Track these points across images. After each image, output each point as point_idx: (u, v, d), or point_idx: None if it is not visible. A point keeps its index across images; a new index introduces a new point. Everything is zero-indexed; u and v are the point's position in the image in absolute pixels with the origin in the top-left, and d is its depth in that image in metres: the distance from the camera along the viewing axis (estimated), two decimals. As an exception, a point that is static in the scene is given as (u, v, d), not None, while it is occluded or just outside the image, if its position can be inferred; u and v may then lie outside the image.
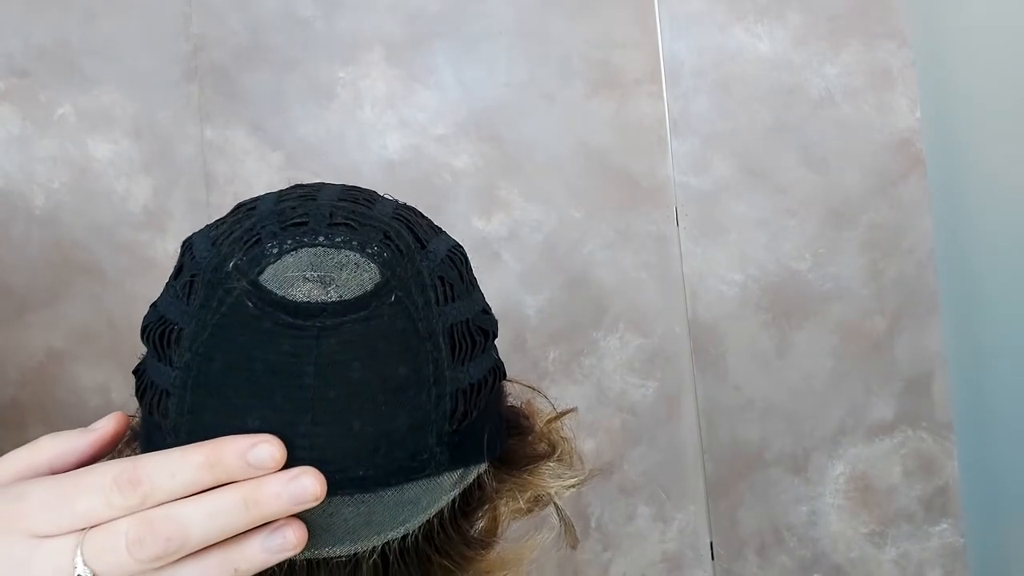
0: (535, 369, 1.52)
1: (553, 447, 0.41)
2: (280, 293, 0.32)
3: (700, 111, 1.57)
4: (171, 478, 0.28)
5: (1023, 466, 1.43)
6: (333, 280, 0.32)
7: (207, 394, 0.32)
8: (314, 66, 1.52)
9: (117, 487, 0.28)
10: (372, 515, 0.33)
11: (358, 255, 0.33)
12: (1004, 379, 1.46)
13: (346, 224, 0.34)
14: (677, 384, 1.56)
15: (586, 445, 1.53)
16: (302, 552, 0.31)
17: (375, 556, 0.33)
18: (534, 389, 0.42)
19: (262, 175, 1.49)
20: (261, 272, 0.32)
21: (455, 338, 0.35)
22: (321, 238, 0.33)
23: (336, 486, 0.31)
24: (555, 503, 0.40)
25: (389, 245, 0.34)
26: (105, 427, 0.33)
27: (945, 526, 1.57)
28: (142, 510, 0.28)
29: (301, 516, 0.30)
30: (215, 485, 0.29)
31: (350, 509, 0.32)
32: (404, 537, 0.34)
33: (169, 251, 1.47)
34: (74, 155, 1.48)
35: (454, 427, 0.35)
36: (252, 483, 0.29)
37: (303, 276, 0.32)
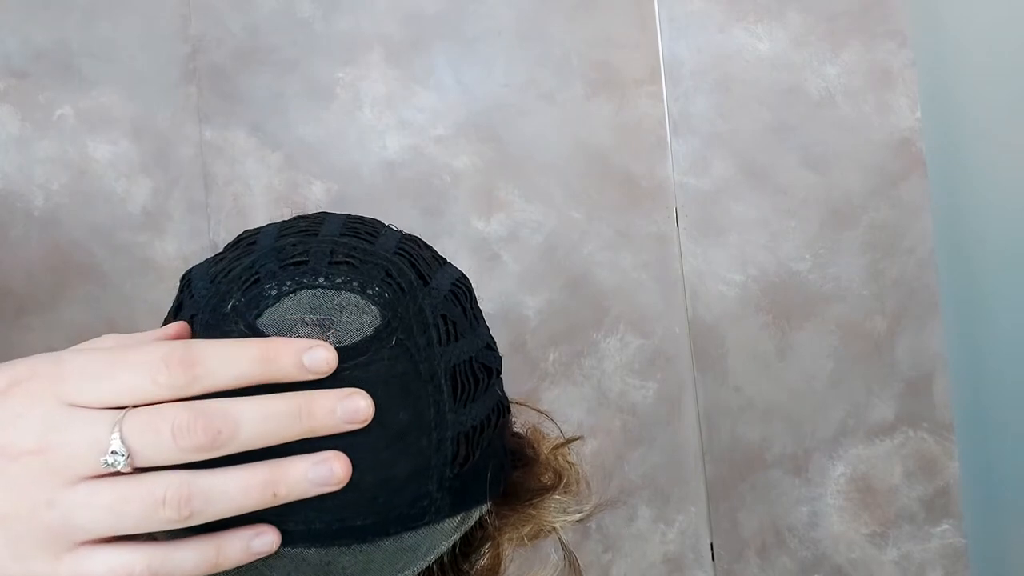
0: (535, 370, 1.51)
1: (559, 476, 0.40)
2: None
3: (700, 111, 1.57)
4: (223, 365, 0.27)
5: (1023, 466, 1.43)
6: (333, 323, 0.32)
7: None
8: (313, 67, 1.52)
9: (166, 365, 0.27)
10: (370, 564, 0.32)
11: (359, 297, 0.33)
12: (1004, 379, 1.46)
13: (347, 263, 0.34)
14: (677, 385, 1.56)
15: (586, 446, 1.52)
16: None
17: None
18: (541, 412, 0.41)
19: (261, 176, 1.48)
20: (259, 315, 0.32)
21: (457, 379, 0.34)
22: (321, 279, 0.33)
23: (333, 536, 0.31)
24: (559, 536, 0.39)
25: (391, 284, 0.34)
26: (168, 332, 0.33)
27: (946, 527, 1.56)
28: (187, 396, 0.27)
29: (295, 568, 0.30)
30: (265, 383, 0.28)
31: (347, 558, 0.31)
32: None
33: (169, 252, 1.47)
34: (73, 156, 1.47)
35: (455, 471, 0.34)
36: (306, 394, 0.28)
37: (302, 320, 0.31)
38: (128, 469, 0.26)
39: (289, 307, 0.32)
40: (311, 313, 0.32)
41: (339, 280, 0.33)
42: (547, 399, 1.52)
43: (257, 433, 0.27)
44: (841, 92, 1.57)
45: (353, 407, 0.29)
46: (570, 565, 0.40)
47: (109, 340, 0.31)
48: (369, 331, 0.32)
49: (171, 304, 0.36)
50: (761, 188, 1.57)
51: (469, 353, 0.35)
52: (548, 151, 1.55)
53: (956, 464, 1.57)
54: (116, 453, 0.26)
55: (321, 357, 0.29)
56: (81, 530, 0.26)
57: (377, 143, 1.53)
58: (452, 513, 0.34)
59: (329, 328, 0.31)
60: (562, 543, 0.40)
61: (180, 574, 0.27)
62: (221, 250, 0.37)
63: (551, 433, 0.42)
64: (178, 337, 0.32)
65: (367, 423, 0.29)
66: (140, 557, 0.27)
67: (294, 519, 0.30)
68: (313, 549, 0.31)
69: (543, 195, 1.54)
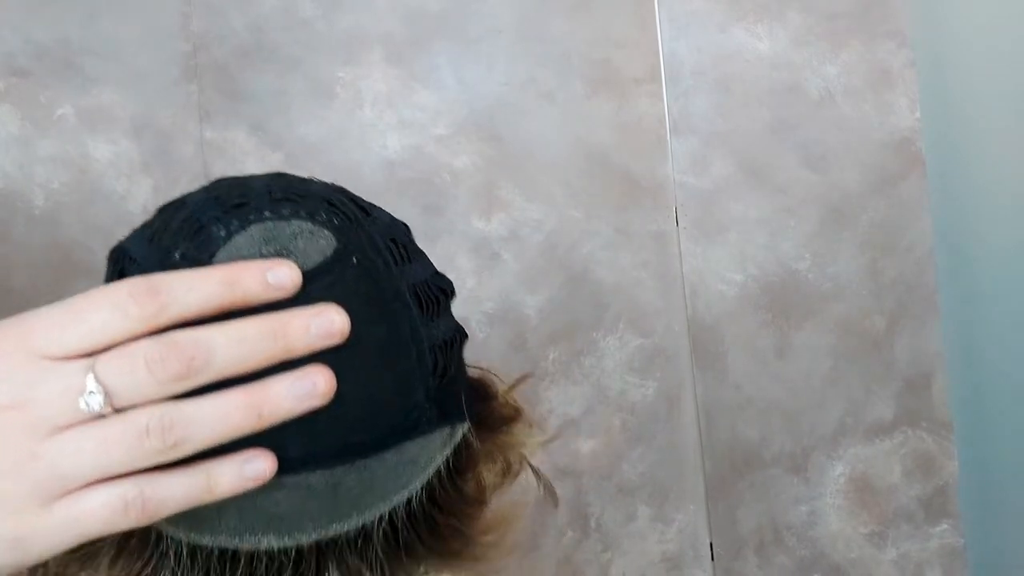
0: (535, 369, 1.52)
1: (518, 411, 0.41)
2: None
3: (700, 111, 1.57)
4: (189, 291, 0.27)
5: (1023, 466, 1.43)
6: (291, 251, 0.31)
7: None
8: (314, 66, 1.52)
9: (133, 298, 0.26)
10: (374, 480, 0.32)
11: (309, 223, 0.32)
12: (1004, 379, 1.46)
13: (287, 199, 0.33)
14: (677, 384, 1.56)
15: (586, 445, 1.53)
16: (308, 534, 0.30)
17: (384, 524, 0.33)
18: (483, 369, 0.42)
19: (262, 175, 1.48)
20: (213, 256, 0.31)
21: (420, 296, 0.34)
22: (267, 212, 0.32)
23: (335, 456, 0.31)
24: (530, 465, 0.40)
25: (336, 212, 0.34)
26: None
27: (945, 526, 1.57)
28: (157, 327, 0.26)
29: (301, 498, 0.30)
30: (233, 307, 0.28)
31: (352, 477, 0.31)
32: (409, 501, 0.33)
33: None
34: (74, 155, 1.48)
35: (437, 382, 0.34)
36: (278, 314, 0.28)
37: (259, 253, 0.31)
38: (108, 411, 0.26)
39: (242, 243, 0.31)
40: (266, 245, 0.31)
41: (286, 211, 0.33)
42: (547, 397, 1.53)
43: (232, 357, 0.27)
44: (841, 92, 1.57)
45: (327, 321, 0.28)
46: (547, 489, 0.41)
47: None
48: (328, 253, 0.32)
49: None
50: (761, 187, 1.57)
51: (424, 274, 0.36)
52: (548, 150, 1.55)
53: (955, 463, 1.57)
54: (94, 393, 0.25)
55: (284, 273, 0.28)
56: (68, 477, 0.26)
57: (378, 142, 1.53)
58: (440, 424, 0.34)
59: (288, 256, 0.31)
60: (534, 471, 0.41)
61: (173, 501, 0.27)
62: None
63: (496, 382, 0.43)
64: None
65: (344, 337, 0.29)
66: (130, 486, 0.26)
67: (292, 446, 0.30)
68: (317, 473, 0.31)
69: (543, 194, 1.54)
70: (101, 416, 0.26)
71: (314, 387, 0.28)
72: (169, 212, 0.34)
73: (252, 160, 1.49)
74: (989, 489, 1.53)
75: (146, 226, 0.34)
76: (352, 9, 1.53)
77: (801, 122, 1.57)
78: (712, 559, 1.55)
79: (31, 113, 1.47)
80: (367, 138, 1.53)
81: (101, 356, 0.26)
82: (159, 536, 0.30)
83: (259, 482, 0.28)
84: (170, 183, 1.49)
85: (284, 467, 0.29)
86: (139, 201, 1.48)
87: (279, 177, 0.36)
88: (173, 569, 0.30)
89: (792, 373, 1.57)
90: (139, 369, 0.26)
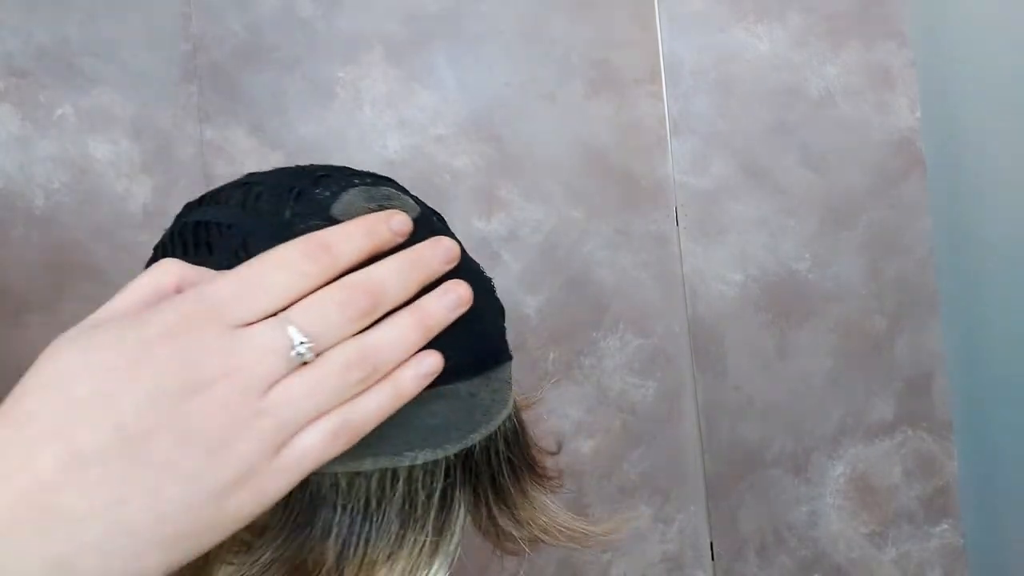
0: (535, 369, 1.52)
1: None
2: None
3: (700, 111, 1.57)
4: (347, 244, 0.31)
5: (1023, 466, 1.43)
6: (393, 207, 0.35)
7: None
8: (314, 66, 1.52)
9: (307, 256, 0.29)
10: (495, 392, 0.36)
11: (394, 188, 0.37)
12: (1004, 379, 1.46)
13: (363, 172, 0.37)
14: (677, 384, 1.56)
15: (586, 445, 1.53)
16: (454, 444, 0.33)
17: (502, 432, 0.37)
18: None
19: (262, 175, 1.48)
20: (329, 209, 0.34)
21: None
22: (356, 180, 0.36)
23: (474, 368, 0.35)
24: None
25: (398, 185, 0.38)
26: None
27: (945, 526, 1.57)
28: (331, 279, 0.30)
29: (451, 408, 0.34)
30: (375, 253, 0.32)
31: (485, 388, 0.35)
32: (509, 416, 0.37)
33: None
34: (74, 155, 1.48)
35: (503, 320, 0.40)
36: (412, 248, 0.32)
37: (367, 207, 0.34)
38: (312, 356, 0.29)
39: (351, 201, 0.34)
40: (371, 201, 0.35)
41: (369, 180, 0.36)
42: (547, 398, 1.52)
43: (397, 288, 0.31)
44: (841, 92, 1.57)
45: (447, 248, 0.33)
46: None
47: (170, 264, 0.31)
48: (417, 212, 0.36)
49: (167, 253, 0.35)
50: (761, 188, 1.57)
51: None
52: (548, 150, 1.55)
53: (955, 463, 1.57)
54: (304, 343, 0.28)
55: (403, 221, 0.33)
56: (291, 424, 0.28)
57: (378, 142, 1.53)
58: (510, 356, 0.39)
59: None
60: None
61: (372, 417, 0.30)
62: (196, 205, 0.38)
63: None
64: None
65: (458, 261, 0.33)
66: (335, 418, 0.29)
67: (445, 358, 0.33)
68: (463, 383, 0.34)
69: (543, 194, 1.54)
70: (305, 364, 0.29)
71: (459, 297, 0.32)
72: (240, 188, 0.36)
73: (252, 160, 1.49)
74: (989, 489, 1.53)
75: (215, 200, 0.36)
76: (352, 9, 1.53)
77: (801, 122, 1.57)
78: (712, 559, 1.55)
79: (31, 113, 1.47)
80: (367, 138, 1.53)
81: (293, 309, 0.29)
82: (311, 479, 0.32)
83: (433, 376, 0.32)
84: (170, 183, 1.48)
85: (438, 379, 0.32)
86: (139, 201, 1.48)
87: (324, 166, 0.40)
88: (334, 503, 0.32)
89: (792, 373, 1.57)
90: (332, 312, 0.29)
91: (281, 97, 1.51)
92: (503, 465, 0.37)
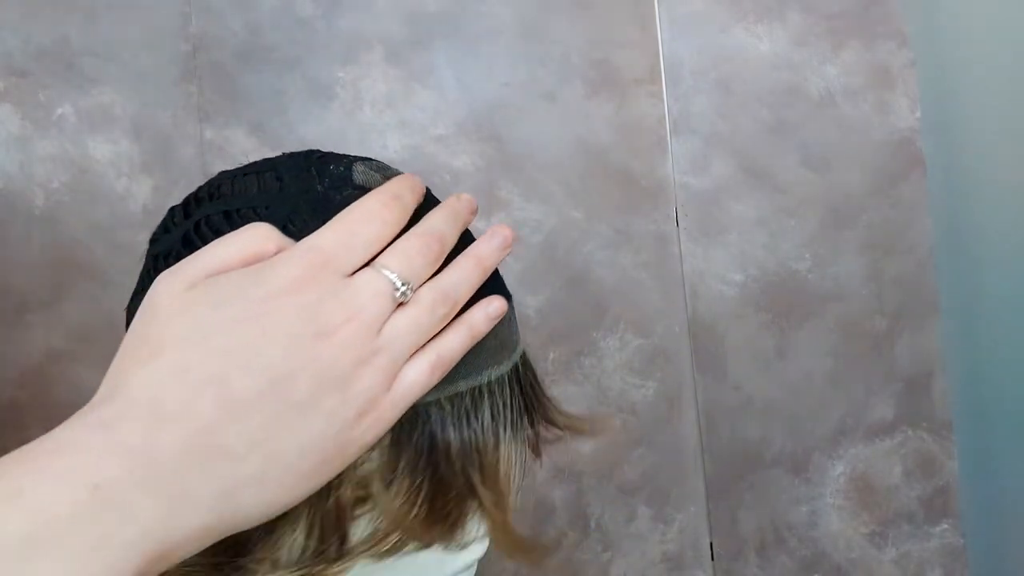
0: (535, 369, 1.51)
1: None
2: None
3: (700, 111, 1.57)
4: (407, 194, 0.36)
5: (1023, 466, 1.43)
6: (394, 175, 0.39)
7: None
8: (314, 66, 1.52)
9: (385, 207, 0.34)
10: (518, 320, 0.45)
11: (384, 164, 0.41)
12: (1004, 379, 1.46)
13: (342, 155, 0.41)
14: (677, 384, 1.56)
15: (586, 445, 1.53)
16: (511, 358, 0.40)
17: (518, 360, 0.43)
18: None
19: (262, 175, 1.48)
20: (352, 180, 0.38)
21: None
22: (348, 157, 0.40)
23: (509, 297, 0.41)
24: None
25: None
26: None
27: (945, 526, 1.57)
28: (406, 222, 0.35)
29: (507, 328, 0.41)
30: (417, 205, 0.37)
31: (514, 314, 0.44)
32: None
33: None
34: (74, 155, 1.48)
35: None
36: (446, 203, 0.38)
37: (379, 176, 0.39)
38: (410, 295, 0.33)
39: (362, 171, 0.38)
40: (377, 172, 0.39)
41: (362, 157, 0.40)
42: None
43: (451, 233, 0.36)
44: (841, 92, 1.57)
45: (468, 200, 0.38)
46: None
47: (261, 228, 0.34)
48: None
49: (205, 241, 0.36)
50: (761, 188, 1.57)
51: None
52: (548, 150, 1.55)
53: (955, 463, 1.57)
54: (406, 284, 0.33)
55: (418, 183, 0.38)
56: (401, 357, 0.33)
57: (378, 142, 1.53)
58: None
59: None
60: None
61: (457, 351, 0.35)
62: (212, 187, 0.41)
63: None
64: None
65: (476, 212, 0.39)
66: (430, 353, 0.34)
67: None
68: (510, 306, 0.41)
69: (543, 194, 1.54)
70: (402, 304, 0.33)
71: (505, 238, 0.37)
72: (248, 178, 0.39)
73: (252, 160, 1.49)
74: (989, 489, 1.53)
75: (222, 194, 0.39)
76: (352, 9, 1.53)
77: (801, 122, 1.57)
78: (712, 559, 1.55)
79: (31, 113, 1.47)
80: (367, 138, 1.53)
81: (384, 256, 0.33)
82: (419, 408, 0.37)
83: (500, 317, 0.37)
84: (170, 183, 1.48)
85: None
86: (139, 201, 1.48)
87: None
88: (443, 421, 0.37)
89: (792, 373, 1.57)
90: (416, 258, 0.33)
91: (281, 97, 1.51)
92: (529, 373, 0.44)
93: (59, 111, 1.48)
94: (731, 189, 1.57)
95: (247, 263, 0.32)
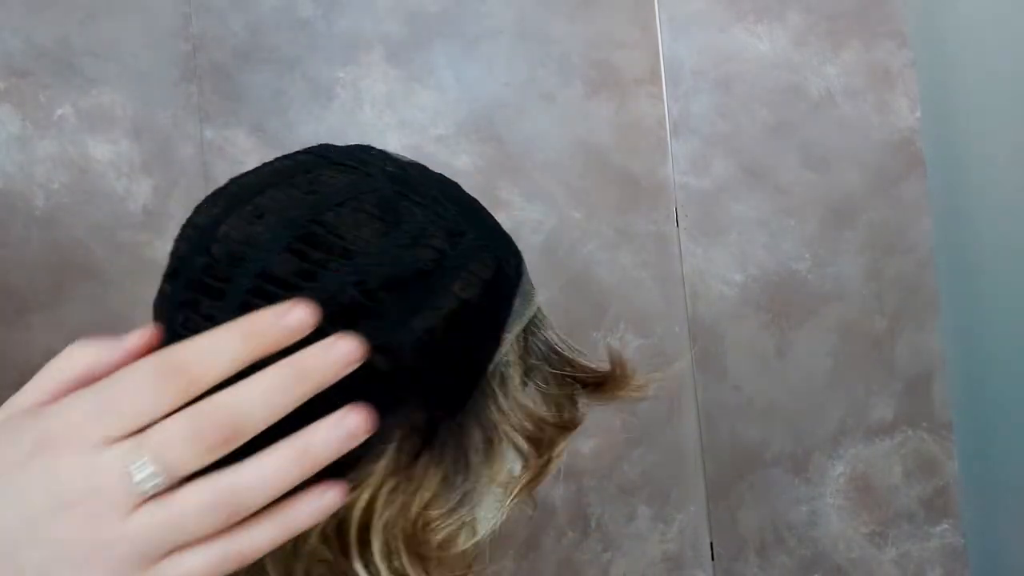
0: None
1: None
2: None
3: (700, 111, 1.57)
4: (212, 357, 0.28)
5: (1023, 466, 1.43)
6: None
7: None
8: (314, 66, 1.52)
9: (161, 378, 0.27)
10: None
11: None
12: (1004, 379, 1.46)
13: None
14: (677, 384, 1.56)
15: (586, 445, 1.53)
16: (535, 299, 0.44)
17: None
18: None
19: (262, 175, 1.48)
20: (396, 162, 0.44)
21: None
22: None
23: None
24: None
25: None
26: (136, 342, 0.32)
27: (945, 526, 1.57)
28: (190, 397, 0.27)
29: None
30: (256, 358, 0.28)
31: None
32: None
33: (169, 252, 1.46)
34: (74, 155, 1.48)
35: None
36: (294, 356, 0.28)
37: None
38: (168, 484, 0.27)
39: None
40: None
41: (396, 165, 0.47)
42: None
43: (266, 410, 0.28)
44: (841, 92, 1.57)
45: (345, 349, 0.29)
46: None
47: (76, 352, 0.31)
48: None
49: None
50: (761, 188, 1.57)
51: None
52: (548, 150, 1.55)
53: (955, 463, 1.57)
54: (154, 475, 0.27)
55: (298, 316, 0.29)
56: (154, 550, 0.27)
57: (378, 142, 1.51)
58: None
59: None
60: None
61: (264, 547, 0.29)
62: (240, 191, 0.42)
63: None
64: (148, 347, 0.32)
65: (359, 362, 0.29)
66: (218, 548, 0.28)
67: None
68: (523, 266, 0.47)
69: (543, 194, 1.54)
70: (167, 489, 0.27)
71: (356, 426, 0.29)
72: (279, 165, 0.43)
73: (252, 160, 1.49)
74: (989, 489, 1.53)
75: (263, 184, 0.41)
76: (352, 9, 1.53)
77: (801, 122, 1.57)
78: (712, 559, 1.55)
79: (31, 113, 1.47)
80: (367, 138, 1.52)
81: (144, 435, 0.27)
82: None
83: (332, 510, 0.30)
84: (170, 183, 1.48)
85: (519, 267, 0.47)
86: (139, 201, 1.48)
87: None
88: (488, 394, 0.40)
89: (792, 373, 1.57)
90: (178, 447, 0.27)
91: (281, 97, 1.51)
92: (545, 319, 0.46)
93: (59, 111, 1.48)
94: (731, 189, 1.57)
95: (82, 382, 0.29)
